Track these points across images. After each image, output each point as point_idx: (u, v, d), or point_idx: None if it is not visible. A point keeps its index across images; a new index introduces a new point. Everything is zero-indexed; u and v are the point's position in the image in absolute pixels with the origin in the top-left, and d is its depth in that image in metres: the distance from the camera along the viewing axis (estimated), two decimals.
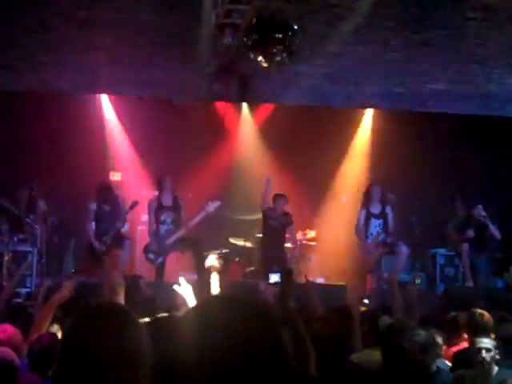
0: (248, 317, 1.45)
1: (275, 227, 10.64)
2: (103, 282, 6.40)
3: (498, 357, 4.80)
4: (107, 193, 10.27)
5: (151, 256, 10.20)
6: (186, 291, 4.61)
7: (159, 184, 10.44)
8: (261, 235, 11.48)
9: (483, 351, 4.75)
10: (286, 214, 10.71)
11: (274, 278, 5.33)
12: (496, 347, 4.82)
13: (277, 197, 10.68)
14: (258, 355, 1.40)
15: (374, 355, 4.34)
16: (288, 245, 11.10)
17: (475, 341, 4.88)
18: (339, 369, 3.95)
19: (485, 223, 10.55)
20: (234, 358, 1.38)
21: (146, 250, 10.26)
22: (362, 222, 10.67)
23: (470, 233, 10.63)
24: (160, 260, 10.17)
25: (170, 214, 10.38)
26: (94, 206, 10.16)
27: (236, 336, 1.40)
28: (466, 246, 10.54)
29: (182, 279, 4.71)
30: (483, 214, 10.52)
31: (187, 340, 1.45)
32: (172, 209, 10.39)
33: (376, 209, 10.64)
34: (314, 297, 5.13)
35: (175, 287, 4.71)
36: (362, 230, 10.66)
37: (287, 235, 10.81)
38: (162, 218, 10.37)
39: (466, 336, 5.66)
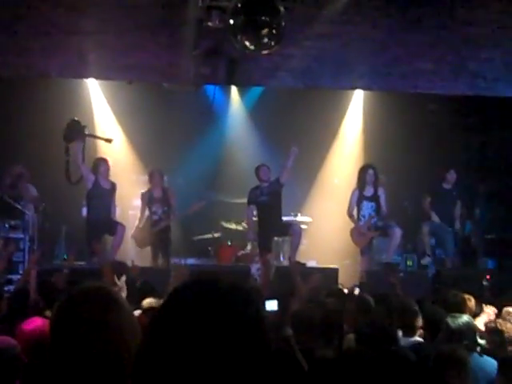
0: (227, 300, 1.42)
1: (264, 203, 10.34)
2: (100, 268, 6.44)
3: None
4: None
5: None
6: None
7: (150, 177, 10.67)
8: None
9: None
10: (273, 181, 10.36)
11: (271, 305, 4.99)
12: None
13: (258, 168, 10.47)
14: (237, 342, 1.37)
15: None
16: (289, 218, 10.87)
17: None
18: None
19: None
20: (212, 343, 1.35)
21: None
22: (355, 204, 10.65)
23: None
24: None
25: (160, 205, 10.54)
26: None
27: (213, 322, 1.37)
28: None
29: None
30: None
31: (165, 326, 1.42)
32: (162, 200, 10.48)
33: (368, 191, 10.62)
34: (296, 278, 5.11)
35: None
36: (355, 212, 10.64)
37: None
38: (153, 209, 10.61)
39: None
